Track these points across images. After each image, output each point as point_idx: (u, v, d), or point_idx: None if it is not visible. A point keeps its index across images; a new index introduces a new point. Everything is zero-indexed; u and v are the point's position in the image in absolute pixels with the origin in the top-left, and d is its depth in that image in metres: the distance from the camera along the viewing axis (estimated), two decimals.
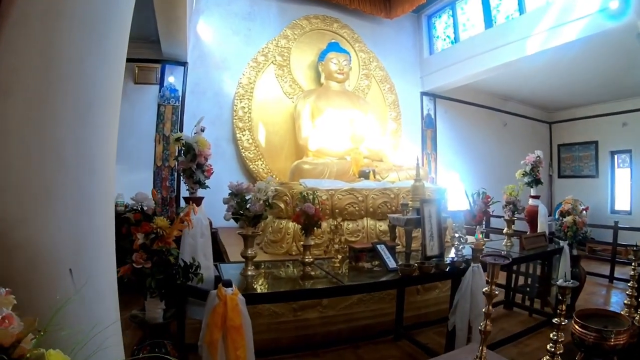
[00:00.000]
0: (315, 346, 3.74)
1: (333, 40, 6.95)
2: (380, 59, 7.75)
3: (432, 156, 8.34)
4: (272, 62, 6.72)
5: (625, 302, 2.92)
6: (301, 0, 7.19)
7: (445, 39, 8.05)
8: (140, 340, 2.45)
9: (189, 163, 3.10)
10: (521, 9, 6.41)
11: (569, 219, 4.54)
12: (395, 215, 3.81)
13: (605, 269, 6.46)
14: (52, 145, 1.39)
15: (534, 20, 5.96)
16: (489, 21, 6.98)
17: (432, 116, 8.44)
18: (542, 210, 4.88)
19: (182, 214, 2.64)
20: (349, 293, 3.61)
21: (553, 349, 1.92)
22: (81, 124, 1.46)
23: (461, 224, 3.80)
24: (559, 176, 10.61)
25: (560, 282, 1.93)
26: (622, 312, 2.73)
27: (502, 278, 5.27)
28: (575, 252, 4.54)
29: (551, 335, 1.96)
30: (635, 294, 3.07)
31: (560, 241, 4.51)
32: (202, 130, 3.16)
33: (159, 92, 6.19)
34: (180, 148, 2.99)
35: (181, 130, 6.10)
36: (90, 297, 1.41)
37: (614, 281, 6.25)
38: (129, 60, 5.57)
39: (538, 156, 4.90)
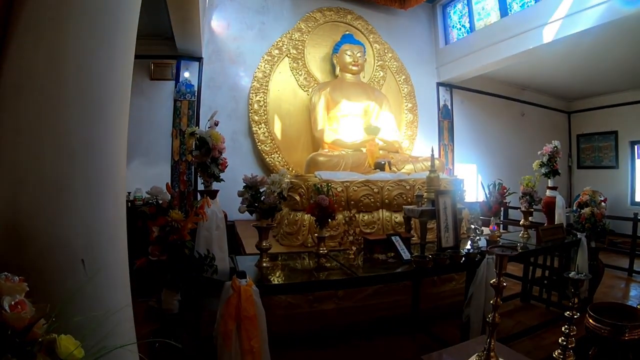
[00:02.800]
0: (331, 337, 3.77)
1: (347, 32, 6.93)
2: (395, 50, 7.68)
3: (449, 147, 8.26)
4: (287, 55, 6.72)
5: None
6: None
7: (460, 29, 7.94)
8: (156, 330, 2.50)
9: (203, 157, 3.14)
10: None
11: (586, 210, 4.47)
12: (410, 207, 3.79)
13: (624, 262, 6.34)
14: (63, 142, 1.44)
15: (550, 7, 5.83)
16: (504, 9, 6.87)
17: (449, 107, 8.35)
18: (560, 202, 4.82)
19: (196, 207, 2.70)
20: (362, 285, 3.62)
21: (565, 343, 1.91)
22: (90, 121, 1.51)
23: (477, 216, 3.79)
24: (579, 167, 10.40)
25: (572, 274, 1.92)
26: (638, 306, 2.69)
27: (519, 270, 5.23)
28: (593, 244, 4.46)
29: (563, 329, 1.95)
30: None
31: (577, 233, 4.44)
32: (216, 124, 3.19)
33: (175, 87, 6.23)
34: (195, 142, 3.03)
35: (197, 125, 6.16)
36: (102, 286, 1.46)
37: (634, 274, 6.13)
38: (144, 57, 5.67)
39: (555, 146, 4.83)
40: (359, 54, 6.61)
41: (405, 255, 3.21)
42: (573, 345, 1.95)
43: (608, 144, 9.77)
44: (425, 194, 3.70)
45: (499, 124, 9.14)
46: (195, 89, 6.33)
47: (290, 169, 6.40)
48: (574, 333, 1.94)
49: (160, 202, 2.59)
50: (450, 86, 8.36)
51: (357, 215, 4.39)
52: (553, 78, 8.49)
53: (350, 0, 7.37)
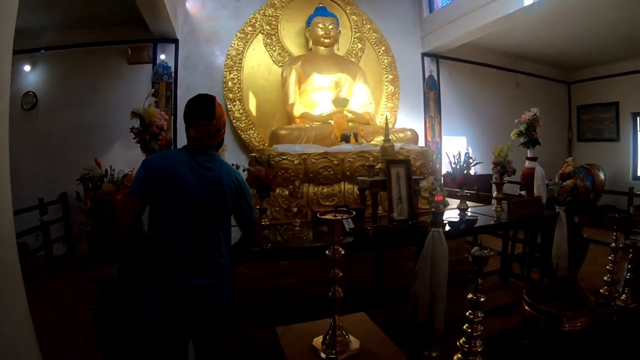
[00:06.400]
0: (294, 312, 3.67)
1: (320, 5, 6.72)
2: (376, 21, 7.40)
3: (436, 119, 7.95)
4: (260, 31, 6.59)
5: (605, 278, 2.65)
6: None
7: None
8: (98, 296, 2.56)
9: (142, 134, 3.19)
10: None
11: (568, 182, 4.18)
12: (363, 178, 3.65)
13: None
14: None
15: None
16: None
17: (435, 78, 8.01)
18: (539, 173, 4.53)
19: (124, 180, 2.74)
20: (289, 257, 3.58)
21: (467, 348, 1.76)
22: None
23: (438, 186, 3.61)
24: (579, 139, 9.84)
25: (474, 250, 1.76)
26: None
27: (497, 245, 5.06)
28: (576, 219, 4.16)
29: (465, 327, 1.79)
30: (617, 269, 2.75)
31: (557, 207, 4.18)
32: (157, 103, 3.23)
33: (152, 70, 6.28)
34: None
35: (175, 106, 6.27)
36: None
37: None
38: (121, 42, 5.73)
39: (534, 114, 4.61)
40: (331, 26, 6.41)
41: (349, 226, 3.09)
42: (481, 349, 1.79)
43: (609, 115, 9.26)
44: (379, 164, 3.55)
45: (491, 95, 8.77)
46: (172, 70, 6.34)
47: (266, 144, 6.29)
48: (479, 333, 1.78)
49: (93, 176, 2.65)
50: (436, 56, 8.01)
51: (309, 187, 4.30)
52: (547, 46, 8.07)
53: None
